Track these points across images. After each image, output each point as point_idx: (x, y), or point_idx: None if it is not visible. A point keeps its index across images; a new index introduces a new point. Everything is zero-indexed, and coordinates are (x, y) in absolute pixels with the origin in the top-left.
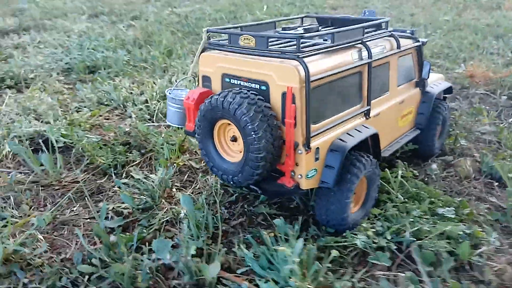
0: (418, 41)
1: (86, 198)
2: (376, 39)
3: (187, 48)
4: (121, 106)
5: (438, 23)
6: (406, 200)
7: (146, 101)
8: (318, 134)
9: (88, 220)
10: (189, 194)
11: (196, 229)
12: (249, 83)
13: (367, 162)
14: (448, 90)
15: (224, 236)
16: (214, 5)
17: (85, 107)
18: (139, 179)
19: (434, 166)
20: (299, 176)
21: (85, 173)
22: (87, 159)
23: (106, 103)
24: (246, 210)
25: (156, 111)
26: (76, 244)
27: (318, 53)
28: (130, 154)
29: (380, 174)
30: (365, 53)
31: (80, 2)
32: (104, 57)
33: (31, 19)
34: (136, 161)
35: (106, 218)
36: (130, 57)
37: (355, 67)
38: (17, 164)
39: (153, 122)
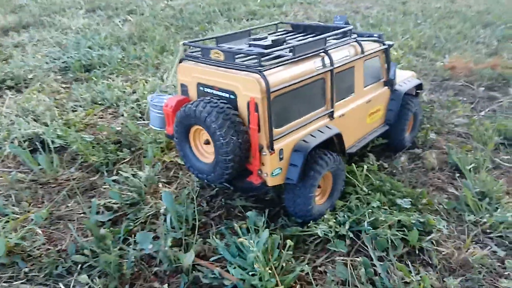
0: (385, 44)
1: (78, 195)
2: (339, 46)
3: (179, 44)
4: (114, 105)
5: (430, 11)
6: (370, 192)
7: (137, 100)
8: (281, 137)
9: (82, 215)
10: (171, 190)
11: (176, 222)
12: (220, 92)
13: (330, 159)
14: (419, 87)
15: (203, 228)
16: None
17: (80, 106)
18: (127, 176)
19: (402, 158)
20: (265, 175)
21: (80, 171)
22: (81, 158)
23: (100, 102)
24: (224, 203)
25: (146, 110)
26: (71, 236)
27: (279, 66)
28: (121, 153)
29: (345, 169)
30: (327, 61)
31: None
32: (99, 55)
33: (30, 16)
34: (126, 159)
35: (98, 212)
36: (124, 54)
37: (317, 74)
38: (17, 164)
39: (143, 120)
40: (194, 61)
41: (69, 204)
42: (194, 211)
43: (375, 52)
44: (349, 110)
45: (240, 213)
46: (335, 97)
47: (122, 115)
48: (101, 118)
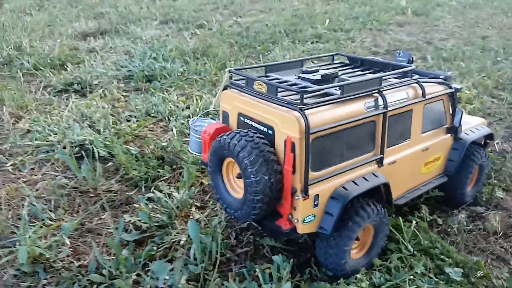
0: (451, 88)
1: (113, 207)
2: (397, 87)
3: (241, 62)
4: (166, 118)
5: None
6: (415, 253)
7: (189, 116)
8: (319, 181)
9: (111, 230)
10: (202, 217)
11: (199, 254)
12: (259, 125)
13: (373, 211)
14: (489, 137)
15: (226, 264)
16: (278, 15)
17: (134, 117)
18: (159, 197)
19: (460, 216)
20: (296, 220)
21: (119, 183)
22: (123, 171)
23: (153, 114)
24: (253, 240)
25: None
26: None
27: (324, 105)
28: (162, 170)
29: (389, 223)
30: (381, 102)
31: (155, 8)
32: (161, 67)
33: (109, 23)
34: (165, 176)
35: (126, 230)
36: (186, 68)
37: (368, 117)
38: (65, 168)
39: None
40: (238, 90)
41: (103, 217)
42: (219, 244)
43: (438, 96)
44: (402, 157)
45: (268, 254)
46: (387, 142)
47: (171, 130)
48: (151, 130)
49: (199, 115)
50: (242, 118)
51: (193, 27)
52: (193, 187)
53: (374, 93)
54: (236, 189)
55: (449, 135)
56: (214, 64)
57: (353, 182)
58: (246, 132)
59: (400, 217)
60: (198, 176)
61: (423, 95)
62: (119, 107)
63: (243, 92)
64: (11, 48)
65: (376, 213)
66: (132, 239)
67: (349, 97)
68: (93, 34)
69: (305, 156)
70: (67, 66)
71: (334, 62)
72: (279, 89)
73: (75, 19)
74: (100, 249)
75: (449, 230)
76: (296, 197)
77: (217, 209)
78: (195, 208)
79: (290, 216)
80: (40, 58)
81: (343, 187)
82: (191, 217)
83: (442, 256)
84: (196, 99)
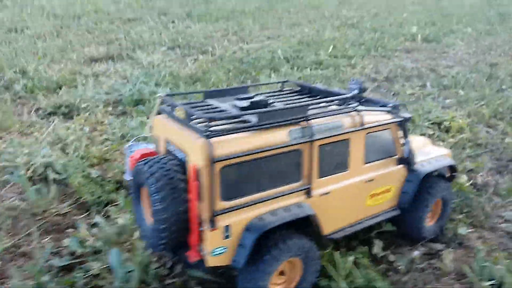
0: (399, 117)
1: (58, 231)
2: (330, 115)
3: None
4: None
5: None
6: None
7: None
8: (231, 211)
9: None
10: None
11: (119, 283)
12: (179, 152)
13: (295, 244)
14: (452, 169)
15: None
16: (285, 42)
17: (109, 140)
18: (97, 222)
19: (415, 253)
20: (205, 252)
21: (71, 206)
22: (76, 194)
23: (127, 138)
24: (185, 270)
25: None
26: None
27: (235, 133)
28: (117, 195)
29: (319, 258)
30: (308, 132)
31: (165, 35)
32: (151, 92)
33: (118, 49)
34: (117, 202)
35: (60, 255)
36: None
37: (291, 145)
38: (24, 190)
39: None
40: (167, 116)
41: (43, 240)
42: (144, 274)
43: (382, 125)
44: (338, 188)
45: (199, 284)
46: (318, 172)
47: None
48: (123, 154)
49: (132, 140)
50: (168, 144)
51: (197, 52)
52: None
53: (300, 121)
54: (149, 217)
55: (401, 166)
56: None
57: (272, 213)
58: (160, 158)
59: (337, 252)
60: None
61: (362, 124)
62: (100, 130)
63: (170, 118)
64: (14, 71)
65: (300, 247)
66: (60, 264)
67: (267, 125)
68: (100, 59)
69: (210, 185)
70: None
71: (284, 89)
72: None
73: (87, 45)
74: (26, 273)
75: (399, 268)
76: (203, 228)
77: None
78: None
79: (199, 248)
80: (39, 81)
81: (259, 218)
82: (128, 244)
83: None
84: None
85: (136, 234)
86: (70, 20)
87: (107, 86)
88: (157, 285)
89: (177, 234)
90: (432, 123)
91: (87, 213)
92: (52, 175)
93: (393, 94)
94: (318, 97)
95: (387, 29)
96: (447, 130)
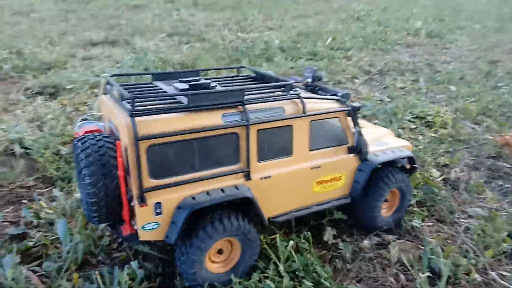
0: (347, 106)
1: (20, 203)
2: (270, 101)
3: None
4: None
5: None
6: (283, 274)
7: None
8: (161, 189)
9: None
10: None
11: (66, 253)
12: (116, 131)
13: (231, 224)
14: (411, 161)
15: (94, 266)
16: (285, 33)
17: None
18: (55, 196)
19: (365, 243)
20: (136, 227)
21: (37, 180)
22: (43, 170)
23: None
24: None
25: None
26: None
27: (165, 113)
28: None
29: (258, 240)
30: (244, 116)
31: (168, 22)
32: (138, 76)
33: (118, 34)
34: None
35: (18, 224)
36: None
37: (224, 128)
38: None
39: None
40: (109, 96)
41: (5, 210)
42: (90, 246)
43: (328, 113)
44: (280, 173)
45: (140, 261)
46: (257, 156)
47: None
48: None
49: (81, 118)
50: (109, 121)
51: (194, 40)
52: None
53: (236, 105)
54: None
55: (352, 155)
56: None
57: (206, 193)
58: (95, 136)
59: (278, 235)
60: None
61: (304, 111)
62: (82, 111)
63: (111, 98)
64: (10, 52)
65: (236, 227)
66: (14, 232)
67: (198, 108)
68: (99, 44)
69: (136, 163)
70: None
71: (239, 75)
72: (124, 97)
73: (88, 29)
74: None
75: (347, 255)
76: (132, 203)
77: None
78: None
79: (132, 222)
80: (31, 62)
81: (192, 197)
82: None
83: (313, 281)
84: None
85: None
86: (77, 5)
87: (98, 69)
88: (104, 257)
89: (109, 209)
90: (416, 117)
91: (53, 187)
92: (19, 150)
93: (384, 88)
94: (263, 84)
95: (392, 23)
96: (430, 125)
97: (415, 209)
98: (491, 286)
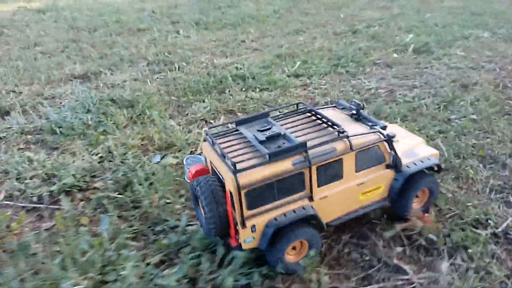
0: (384, 136)
1: None
2: (323, 144)
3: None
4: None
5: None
6: None
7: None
8: (254, 216)
9: None
10: None
11: None
12: (219, 174)
13: (303, 232)
14: (438, 166)
15: None
16: (268, 55)
17: None
18: None
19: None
20: (240, 241)
21: None
22: None
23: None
24: None
25: None
26: None
27: (254, 167)
28: None
29: (319, 239)
30: (307, 159)
31: (159, 47)
32: (67, 119)
33: (96, 66)
34: None
35: None
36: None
37: (294, 170)
38: None
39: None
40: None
41: None
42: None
43: (370, 145)
44: (334, 192)
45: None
46: (317, 184)
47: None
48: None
49: (189, 154)
50: (211, 165)
51: (168, 69)
52: None
53: (301, 152)
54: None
55: (388, 170)
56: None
57: (284, 214)
58: (207, 179)
59: None
60: None
61: (351, 147)
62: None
63: (212, 146)
64: None
65: (306, 233)
66: None
67: (276, 160)
68: (77, 78)
69: (239, 202)
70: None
71: (298, 110)
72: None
73: (77, 62)
74: None
75: None
76: (237, 227)
77: None
78: None
79: (237, 237)
80: None
81: (275, 219)
82: None
83: None
84: (80, 157)
85: None
86: (85, 33)
87: (42, 113)
88: None
89: (221, 228)
90: None
91: None
92: None
93: None
94: (318, 122)
95: (388, 35)
96: None
97: None
98: None
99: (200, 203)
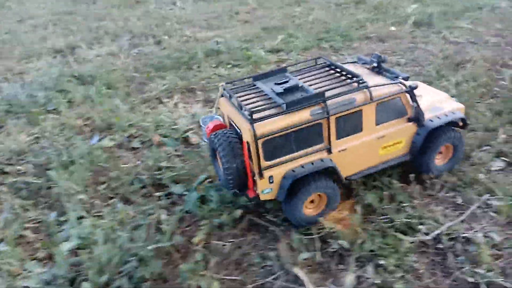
0: (406, 87)
1: None
2: (343, 94)
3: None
4: None
5: None
6: None
7: None
8: (271, 167)
9: None
10: None
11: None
12: (236, 127)
13: (321, 184)
14: (463, 120)
15: None
16: (253, 28)
17: None
18: None
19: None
20: (258, 192)
21: None
22: None
23: None
24: None
25: None
26: None
27: (271, 117)
28: None
29: (338, 193)
30: (325, 109)
31: (147, 20)
32: (32, 99)
33: (79, 40)
34: None
35: None
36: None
37: (312, 121)
38: None
39: None
40: (227, 98)
41: None
42: None
43: (391, 96)
44: (354, 145)
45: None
46: (336, 136)
47: None
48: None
49: (207, 115)
50: (229, 120)
51: (146, 43)
52: None
53: (319, 103)
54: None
55: (410, 123)
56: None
57: (301, 166)
58: (225, 132)
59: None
60: None
61: (371, 98)
62: None
63: (229, 101)
64: None
65: (325, 186)
66: None
67: (293, 110)
68: (59, 52)
69: (256, 153)
70: None
71: (317, 64)
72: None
73: (64, 35)
74: None
75: None
76: (255, 177)
77: None
78: None
79: (255, 188)
80: None
81: (292, 170)
82: None
83: None
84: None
85: None
86: (83, 5)
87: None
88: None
89: (239, 180)
90: None
91: None
92: None
93: None
94: (337, 75)
95: (390, 6)
96: None
97: None
98: None
99: (218, 155)
